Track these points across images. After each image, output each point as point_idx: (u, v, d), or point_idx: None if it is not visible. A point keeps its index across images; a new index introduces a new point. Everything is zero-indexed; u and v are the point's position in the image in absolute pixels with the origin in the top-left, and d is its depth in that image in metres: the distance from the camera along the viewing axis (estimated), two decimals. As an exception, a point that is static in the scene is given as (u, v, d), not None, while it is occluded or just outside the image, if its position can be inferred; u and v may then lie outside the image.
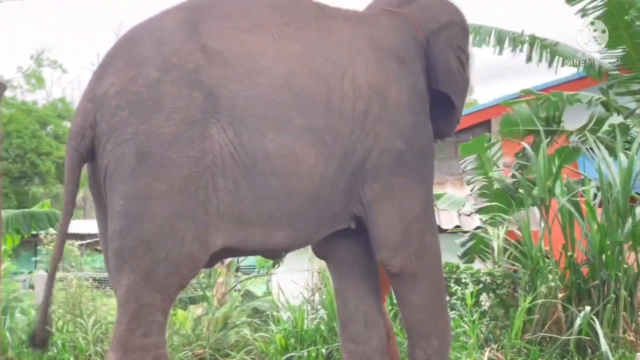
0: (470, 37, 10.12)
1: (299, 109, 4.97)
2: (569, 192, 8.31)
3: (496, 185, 9.48)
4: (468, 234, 9.77)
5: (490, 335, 7.81)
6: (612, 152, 8.71)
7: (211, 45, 4.86)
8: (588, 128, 9.77)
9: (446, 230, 11.81)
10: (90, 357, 7.57)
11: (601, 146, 8.51)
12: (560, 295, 7.74)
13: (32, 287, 11.61)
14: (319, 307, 8.64)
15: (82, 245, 15.09)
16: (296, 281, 9.39)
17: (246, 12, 5.17)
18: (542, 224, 8.24)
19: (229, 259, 9.65)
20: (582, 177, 8.89)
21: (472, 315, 7.66)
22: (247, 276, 11.48)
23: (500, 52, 11.19)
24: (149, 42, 4.87)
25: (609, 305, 7.54)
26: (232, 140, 4.76)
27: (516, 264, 8.39)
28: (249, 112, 4.81)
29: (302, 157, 4.96)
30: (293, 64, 5.03)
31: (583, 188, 8.38)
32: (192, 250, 4.75)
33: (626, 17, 9.67)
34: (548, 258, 8.00)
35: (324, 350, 7.45)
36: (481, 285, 8.45)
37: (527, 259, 8.05)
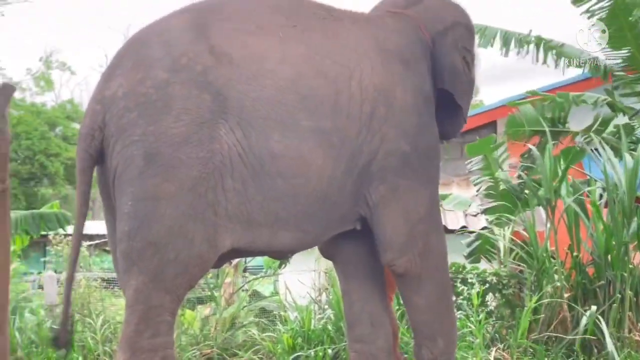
0: (476, 38, 10.15)
1: (307, 111, 4.96)
2: (574, 192, 8.30)
3: (502, 186, 9.47)
4: (474, 234, 9.76)
5: (497, 335, 7.81)
6: (618, 152, 8.69)
7: (219, 47, 4.86)
8: (593, 129, 9.76)
9: (452, 230, 11.80)
10: (98, 357, 7.58)
11: (606, 147, 8.49)
12: (566, 295, 7.73)
13: (41, 287, 11.63)
14: (326, 307, 8.64)
15: (90, 245, 15.12)
16: (303, 281, 9.39)
17: (251, 15, 5.17)
18: (548, 225, 8.22)
19: (237, 260, 9.65)
20: (588, 177, 8.88)
21: (478, 315, 7.66)
22: (254, 276, 11.48)
23: (506, 54, 11.17)
24: (157, 43, 4.87)
25: (615, 305, 7.53)
26: (240, 141, 4.77)
27: (522, 264, 8.38)
28: (257, 114, 4.82)
29: (309, 159, 4.96)
30: (300, 66, 5.03)
31: (589, 189, 8.37)
32: (201, 251, 4.75)
33: (630, 18, 9.65)
34: (554, 258, 7.98)
35: (330, 350, 7.46)
36: (487, 285, 8.44)
37: (533, 259, 8.04)
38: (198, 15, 5.03)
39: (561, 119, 10.04)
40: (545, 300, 7.66)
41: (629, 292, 7.60)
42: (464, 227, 12.17)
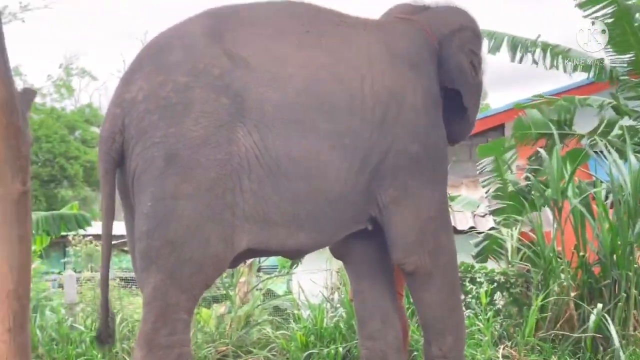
0: (485, 43, 10.14)
1: (323, 114, 4.99)
2: (580, 193, 8.28)
3: (510, 188, 9.46)
4: (482, 234, 9.75)
5: (504, 333, 7.81)
6: (623, 154, 8.67)
7: (237, 52, 4.88)
8: (599, 131, 9.74)
9: (461, 231, 11.78)
10: (117, 354, 7.59)
11: (612, 149, 8.49)
12: (572, 294, 7.72)
13: (61, 286, 11.66)
14: (338, 305, 8.64)
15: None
16: (316, 281, 9.40)
17: (269, 20, 5.20)
18: (555, 225, 8.21)
19: (251, 260, 9.66)
20: (594, 179, 8.87)
21: (486, 314, 7.68)
22: (268, 276, 11.48)
23: (513, 59, 11.13)
24: (175, 48, 4.90)
25: (620, 303, 7.52)
26: (257, 143, 4.78)
27: (529, 263, 8.36)
28: (274, 116, 4.84)
29: (325, 160, 4.98)
30: (316, 70, 5.05)
31: (594, 190, 8.36)
32: (217, 251, 4.77)
33: (635, 24, 9.63)
34: (560, 258, 7.99)
35: (342, 348, 7.46)
36: (495, 284, 8.44)
37: (540, 258, 8.03)
38: (215, 21, 5.05)
39: (567, 121, 10.02)
40: (552, 299, 7.67)
41: (634, 290, 7.59)
42: (472, 227, 12.15)
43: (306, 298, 8.79)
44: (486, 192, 10.30)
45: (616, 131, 9.88)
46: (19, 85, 4.79)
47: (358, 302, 5.93)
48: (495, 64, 10.53)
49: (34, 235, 10.79)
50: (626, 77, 10.46)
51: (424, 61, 5.69)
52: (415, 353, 7.29)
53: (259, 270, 11.71)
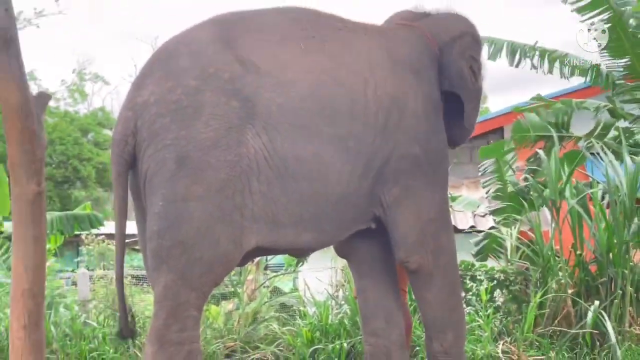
0: (485, 49, 10.15)
1: (327, 117, 4.99)
2: (578, 194, 8.30)
3: (510, 188, 9.46)
4: (482, 233, 9.75)
5: (504, 329, 7.80)
6: (619, 156, 8.68)
7: (245, 56, 4.89)
8: (595, 134, 9.74)
9: (462, 230, 11.78)
10: (128, 349, 7.60)
11: (608, 151, 8.50)
12: (570, 291, 7.74)
13: (74, 284, 11.70)
14: (343, 302, 8.63)
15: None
16: (321, 278, 9.39)
17: (274, 27, 5.20)
18: (553, 224, 8.23)
19: (258, 258, 9.66)
20: (590, 179, 8.87)
21: (486, 310, 7.67)
22: (275, 274, 11.47)
23: (512, 64, 11.14)
24: (186, 53, 4.90)
25: (616, 300, 7.55)
26: (266, 145, 4.79)
27: (528, 262, 8.37)
28: (282, 119, 4.84)
29: (330, 163, 4.99)
30: (320, 75, 5.06)
31: (591, 190, 8.37)
32: (226, 251, 4.78)
33: (630, 30, 9.63)
34: (558, 256, 7.99)
35: (346, 344, 7.46)
36: (495, 282, 8.44)
37: (539, 257, 8.04)
38: (223, 27, 5.06)
39: (564, 124, 10.03)
40: (550, 296, 7.68)
41: (630, 288, 7.63)
42: (472, 227, 12.16)
43: (312, 295, 8.79)
44: (486, 193, 10.30)
45: (612, 134, 9.88)
46: (33, 89, 4.80)
47: (361, 300, 5.94)
48: (494, 69, 10.52)
49: (48, 234, 10.80)
50: (622, 81, 10.47)
51: (425, 67, 5.69)
52: (417, 348, 7.29)
53: (266, 268, 11.71)
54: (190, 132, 4.67)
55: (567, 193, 8.22)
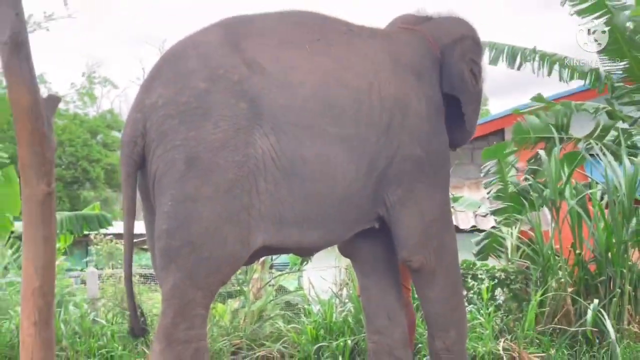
0: (486, 53, 10.16)
1: (332, 118, 4.98)
2: (577, 194, 8.30)
3: (511, 189, 9.46)
4: (483, 233, 9.74)
5: (505, 327, 7.80)
6: (617, 157, 8.67)
7: (252, 59, 4.88)
8: (595, 135, 9.74)
9: (463, 230, 11.77)
10: (136, 347, 7.61)
11: (607, 152, 8.50)
12: (569, 290, 7.75)
13: (83, 282, 11.70)
14: (347, 300, 8.63)
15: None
16: (325, 277, 9.39)
17: (280, 30, 5.20)
18: (553, 224, 8.23)
19: (264, 257, 9.66)
20: (589, 180, 8.86)
21: (487, 309, 7.67)
22: (280, 273, 11.50)
23: (512, 67, 11.14)
24: (194, 56, 4.89)
25: (615, 299, 7.55)
26: (273, 145, 4.78)
27: (528, 261, 8.38)
28: (288, 120, 4.84)
29: (335, 163, 4.98)
30: (325, 77, 5.05)
31: (590, 191, 8.37)
32: (234, 251, 4.77)
33: (628, 33, 9.64)
34: (558, 256, 8.00)
35: (350, 341, 7.46)
36: (496, 280, 8.43)
37: (539, 256, 8.05)
38: (230, 31, 5.05)
39: (564, 126, 10.03)
40: (550, 295, 7.69)
41: (628, 287, 7.65)
42: (474, 226, 12.15)
43: (316, 294, 8.79)
44: (488, 193, 10.29)
45: (610, 135, 9.88)
46: (43, 92, 4.79)
47: (365, 299, 5.93)
48: (495, 72, 10.53)
49: (58, 234, 10.83)
50: (621, 84, 10.46)
51: (427, 70, 5.69)
52: (420, 345, 7.29)
53: (271, 267, 11.72)
54: (200, 133, 4.66)
55: (567, 193, 8.23)
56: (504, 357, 7.18)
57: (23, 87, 4.57)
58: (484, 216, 11.59)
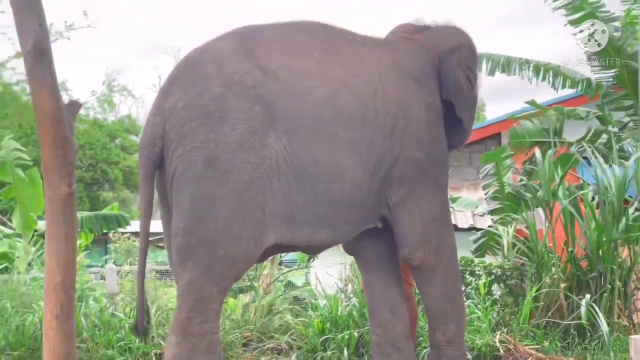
0: (483, 65, 10.19)
1: (341, 122, 5.00)
2: (570, 195, 8.30)
3: (507, 189, 9.45)
4: (481, 231, 9.73)
5: (501, 320, 7.79)
6: (607, 160, 8.68)
7: (266, 65, 4.89)
8: (586, 139, 9.75)
9: (462, 228, 11.75)
10: (153, 339, 7.60)
11: (598, 155, 8.50)
12: (562, 286, 7.75)
13: (103, 278, 11.69)
14: (351, 295, 8.62)
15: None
16: (331, 273, 9.39)
17: (290, 39, 5.21)
18: (547, 223, 8.24)
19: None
20: (581, 181, 8.86)
21: (485, 303, 7.68)
22: (288, 269, 11.48)
23: (508, 74, 11.17)
24: (210, 62, 4.89)
25: (605, 294, 7.55)
26: (286, 147, 4.79)
27: (523, 258, 8.37)
28: (300, 124, 4.85)
29: (344, 165, 4.99)
30: (334, 83, 5.06)
31: (582, 192, 8.37)
32: (248, 249, 4.77)
33: (618, 43, 9.66)
34: (552, 253, 7.99)
35: (355, 333, 7.45)
36: (493, 276, 8.42)
37: (534, 253, 8.05)
38: (244, 39, 5.06)
39: (557, 131, 10.05)
40: (544, 290, 7.69)
41: (618, 282, 7.63)
42: (472, 225, 12.13)
43: (322, 289, 8.78)
44: (485, 194, 10.29)
45: (602, 139, 9.89)
46: (65, 99, 4.80)
47: (368, 294, 5.94)
48: (491, 80, 10.53)
49: (78, 232, 10.83)
50: (611, 91, 10.48)
51: (427, 76, 5.71)
52: (421, 338, 7.28)
53: (280, 263, 11.71)
54: (218, 135, 4.66)
55: (560, 194, 8.24)
56: (500, 349, 7.18)
57: (46, 93, 4.58)
58: (482, 216, 11.58)
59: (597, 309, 7.26)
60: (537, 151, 9.01)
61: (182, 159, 4.69)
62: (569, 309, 7.66)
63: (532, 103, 10.97)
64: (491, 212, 9.89)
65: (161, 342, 7.48)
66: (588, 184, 8.62)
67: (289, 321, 8.19)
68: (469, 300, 8.01)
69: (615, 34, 9.87)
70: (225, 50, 4.97)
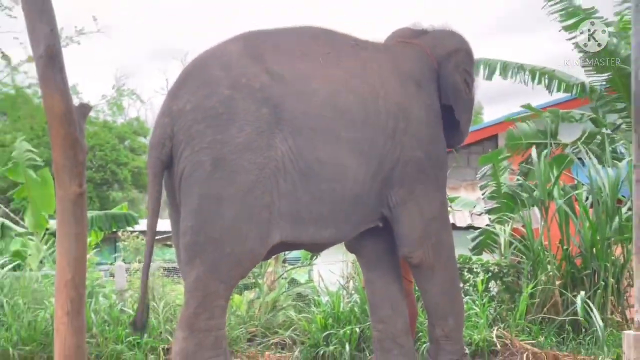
0: (481, 70, 10.19)
1: (345, 124, 5.00)
2: (564, 195, 8.30)
3: (504, 189, 9.45)
4: (479, 230, 9.74)
5: (498, 316, 7.79)
6: (601, 161, 8.69)
7: (272, 69, 4.90)
8: (581, 141, 9.74)
9: (460, 227, 11.75)
10: (161, 334, 7.61)
11: (592, 156, 8.51)
12: (557, 283, 7.75)
13: (112, 275, 11.69)
14: (353, 292, 8.63)
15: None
16: (333, 271, 9.38)
17: (295, 43, 5.22)
18: (542, 222, 8.26)
19: (278, 252, 9.66)
20: (576, 182, 8.86)
21: (482, 299, 7.68)
22: (292, 266, 11.48)
23: (505, 78, 11.16)
24: (218, 65, 4.90)
25: (599, 291, 7.57)
26: (292, 148, 4.79)
27: (520, 255, 8.37)
28: (305, 125, 4.86)
29: (347, 165, 5.00)
30: (337, 86, 5.07)
31: (577, 192, 8.37)
32: (254, 247, 4.77)
33: (612, 47, 9.66)
34: (547, 251, 7.99)
35: (357, 329, 7.45)
36: (490, 274, 8.42)
37: (530, 251, 8.06)
38: (250, 43, 5.06)
39: (552, 133, 10.07)
40: (540, 287, 7.71)
41: (612, 279, 7.66)
42: (470, 224, 12.12)
43: (325, 286, 8.78)
44: (483, 194, 10.29)
45: (595, 141, 9.90)
46: (75, 102, 4.79)
47: (369, 291, 5.93)
48: (489, 83, 10.53)
49: (89, 231, 10.83)
50: (605, 94, 10.50)
51: (426, 79, 5.72)
52: (420, 334, 7.27)
53: (284, 261, 11.70)
54: (226, 136, 4.66)
55: (555, 194, 8.25)
56: (497, 343, 7.18)
57: (57, 96, 4.56)
58: (479, 215, 11.58)
59: (591, 305, 7.27)
60: (533, 152, 9.00)
61: (190, 159, 4.69)
62: (563, 305, 7.66)
63: (528, 106, 11.00)
64: (488, 212, 9.90)
65: (169, 337, 7.48)
66: (582, 184, 8.62)
67: (293, 317, 8.20)
68: (467, 297, 8.01)
69: (608, 39, 9.88)
70: (232, 53, 4.97)
